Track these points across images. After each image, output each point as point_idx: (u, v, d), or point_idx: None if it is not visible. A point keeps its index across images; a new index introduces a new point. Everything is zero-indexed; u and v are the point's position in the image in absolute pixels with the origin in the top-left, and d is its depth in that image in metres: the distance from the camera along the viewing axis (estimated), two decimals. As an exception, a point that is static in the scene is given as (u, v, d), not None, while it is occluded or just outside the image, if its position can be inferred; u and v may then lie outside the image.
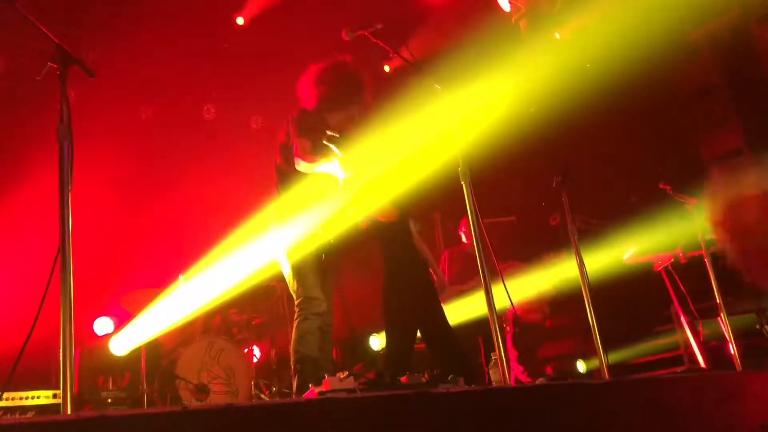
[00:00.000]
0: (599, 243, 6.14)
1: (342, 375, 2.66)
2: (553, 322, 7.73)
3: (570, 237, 4.24)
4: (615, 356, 6.38)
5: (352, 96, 3.90)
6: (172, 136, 7.13)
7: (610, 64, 5.82)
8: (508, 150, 5.98)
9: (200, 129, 7.40)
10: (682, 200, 5.53)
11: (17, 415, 4.87)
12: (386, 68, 7.56)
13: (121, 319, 6.04)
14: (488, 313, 3.20)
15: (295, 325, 3.73)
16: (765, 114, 6.88)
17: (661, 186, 5.66)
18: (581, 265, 4.12)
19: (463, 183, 3.42)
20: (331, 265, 4.00)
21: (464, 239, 6.55)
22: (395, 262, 4.65)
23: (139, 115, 7.22)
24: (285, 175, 3.86)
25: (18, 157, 5.87)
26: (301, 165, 3.67)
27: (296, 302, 3.77)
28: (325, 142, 3.64)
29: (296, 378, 3.65)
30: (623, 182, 7.47)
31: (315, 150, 3.66)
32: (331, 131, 3.69)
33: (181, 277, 5.62)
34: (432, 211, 8.57)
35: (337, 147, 3.63)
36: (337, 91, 3.85)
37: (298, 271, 3.77)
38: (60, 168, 2.42)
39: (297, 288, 3.76)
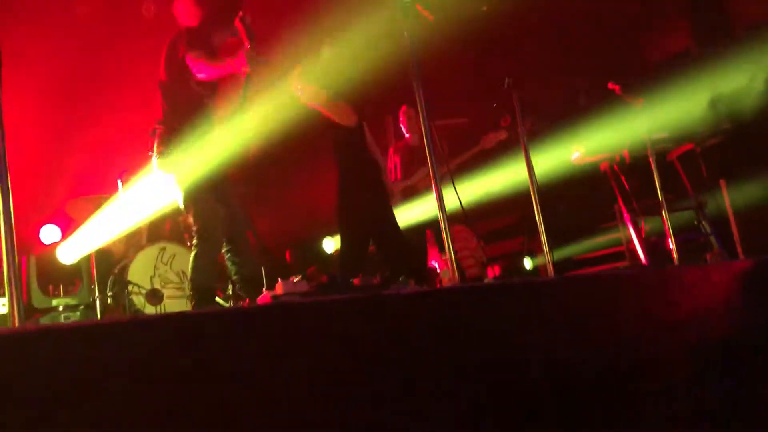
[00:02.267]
0: (547, 144, 6.21)
1: (295, 279, 2.69)
2: (501, 221, 7.92)
3: (519, 138, 4.27)
4: (560, 253, 6.62)
5: (231, 12, 3.87)
6: (111, 34, 6.75)
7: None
8: (460, 50, 5.89)
9: (140, 27, 7.03)
10: (630, 100, 5.59)
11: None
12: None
13: (68, 226, 5.94)
14: (439, 215, 3.24)
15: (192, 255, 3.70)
16: (714, 11, 6.89)
17: (609, 86, 5.69)
18: (530, 165, 4.17)
19: (413, 83, 3.37)
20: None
21: (404, 132, 6.33)
22: (349, 165, 4.64)
23: (75, 10, 6.80)
24: (176, 93, 3.80)
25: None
26: (203, 72, 3.65)
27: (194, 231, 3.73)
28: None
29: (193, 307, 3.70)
30: (571, 83, 7.49)
31: (211, 58, 3.69)
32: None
33: (120, 183, 5.49)
34: (383, 114, 8.48)
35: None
36: (215, 7, 3.90)
37: (192, 202, 3.71)
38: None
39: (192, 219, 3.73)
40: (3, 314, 5.02)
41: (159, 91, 3.89)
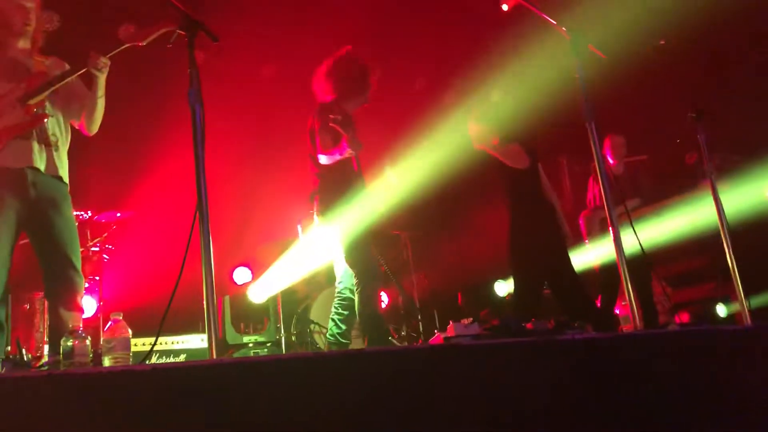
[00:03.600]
0: (740, 180, 5.74)
1: (467, 321, 2.70)
2: (691, 264, 7.37)
3: (707, 176, 4.01)
4: (758, 300, 6.01)
5: (363, 81, 4.25)
6: (293, 92, 7.30)
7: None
8: (637, 85, 5.66)
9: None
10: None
11: (171, 358, 5.37)
12: (504, 7, 7.31)
13: (257, 269, 6.40)
14: (617, 258, 3.11)
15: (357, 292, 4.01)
16: None
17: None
18: (718, 203, 3.90)
19: (587, 124, 3.30)
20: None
21: (610, 159, 6.05)
22: (523, 207, 4.60)
23: (261, 73, 7.43)
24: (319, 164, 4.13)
25: (154, 124, 6.24)
26: (322, 159, 4.01)
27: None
28: (331, 125, 3.95)
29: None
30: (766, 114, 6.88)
31: (335, 141, 3.98)
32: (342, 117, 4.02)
33: (300, 229, 5.87)
34: (557, 154, 8.33)
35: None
36: (348, 80, 4.20)
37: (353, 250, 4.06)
38: (193, 131, 2.57)
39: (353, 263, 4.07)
40: (202, 349, 5.49)
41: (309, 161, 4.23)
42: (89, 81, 3.40)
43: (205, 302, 2.42)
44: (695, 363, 1.90)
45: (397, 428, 1.52)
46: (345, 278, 4.18)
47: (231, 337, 5.95)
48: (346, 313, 4.14)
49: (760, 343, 2.03)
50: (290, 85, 7.29)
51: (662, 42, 4.17)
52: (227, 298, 6.12)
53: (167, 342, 5.42)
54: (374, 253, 4.20)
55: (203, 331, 5.40)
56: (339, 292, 4.21)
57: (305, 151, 4.24)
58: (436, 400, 1.53)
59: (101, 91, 3.38)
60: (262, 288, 6.09)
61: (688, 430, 1.78)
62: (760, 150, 6.12)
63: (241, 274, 6.60)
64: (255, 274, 6.40)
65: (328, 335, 4.23)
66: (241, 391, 1.46)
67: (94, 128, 3.51)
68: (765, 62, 6.80)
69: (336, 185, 4.09)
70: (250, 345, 6.02)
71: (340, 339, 4.12)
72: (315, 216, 4.20)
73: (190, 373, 1.55)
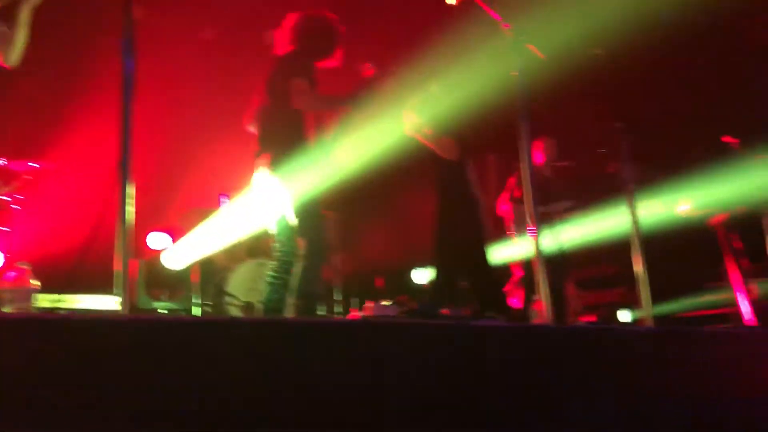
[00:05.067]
0: (655, 195, 6.01)
1: (385, 303, 2.73)
2: (601, 270, 7.68)
3: (626, 185, 4.16)
4: (661, 308, 6.33)
5: (328, 40, 4.07)
6: (233, 61, 7.14)
7: (682, 9, 5.55)
8: (569, 92, 5.82)
9: (262, 54, 7.38)
10: (748, 156, 5.34)
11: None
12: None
13: (177, 236, 6.25)
14: (535, 255, 3.21)
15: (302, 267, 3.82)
16: None
17: (726, 140, 5.46)
18: (634, 214, 4.06)
19: (521, 122, 3.38)
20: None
21: (541, 158, 6.13)
22: (450, 200, 4.68)
23: (200, 36, 7.23)
24: (278, 117, 3.91)
25: (83, 74, 5.99)
26: (302, 103, 3.80)
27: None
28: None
29: None
30: (686, 134, 7.22)
31: (312, 88, 3.82)
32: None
33: (223, 199, 5.77)
34: (487, 153, 8.46)
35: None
36: (314, 37, 4.03)
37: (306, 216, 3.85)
38: (122, 85, 2.47)
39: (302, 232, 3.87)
40: (112, 311, 5.32)
41: (259, 117, 4.02)
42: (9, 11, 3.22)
43: (117, 263, 2.35)
44: (595, 359, 1.98)
45: (296, 396, 1.53)
46: (289, 243, 3.92)
47: (143, 302, 5.80)
48: (287, 277, 3.88)
49: (660, 345, 2.15)
50: (232, 49, 7.14)
51: (598, 52, 4.31)
52: (142, 261, 5.95)
53: (75, 300, 5.22)
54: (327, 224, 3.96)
55: (114, 294, 5.22)
56: (281, 256, 3.94)
57: (242, 114, 4.06)
58: (347, 372, 1.55)
59: (24, 20, 3.20)
60: (179, 255, 5.95)
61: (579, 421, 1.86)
62: (679, 165, 6.42)
63: (157, 239, 6.42)
64: (174, 241, 6.25)
65: (264, 300, 3.95)
66: (152, 348, 1.43)
67: (13, 59, 3.31)
68: (695, 78, 7.12)
69: (294, 140, 3.85)
70: (163, 312, 5.89)
71: (280, 306, 3.86)
72: (264, 170, 3.92)
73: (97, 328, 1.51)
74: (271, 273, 3.92)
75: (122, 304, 2.36)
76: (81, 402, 1.48)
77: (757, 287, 5.54)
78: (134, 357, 1.53)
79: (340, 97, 3.95)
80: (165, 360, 1.48)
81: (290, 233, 3.89)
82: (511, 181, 6.21)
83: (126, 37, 2.49)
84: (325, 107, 3.94)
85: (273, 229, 4.03)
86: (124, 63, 2.48)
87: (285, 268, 3.89)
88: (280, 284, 3.87)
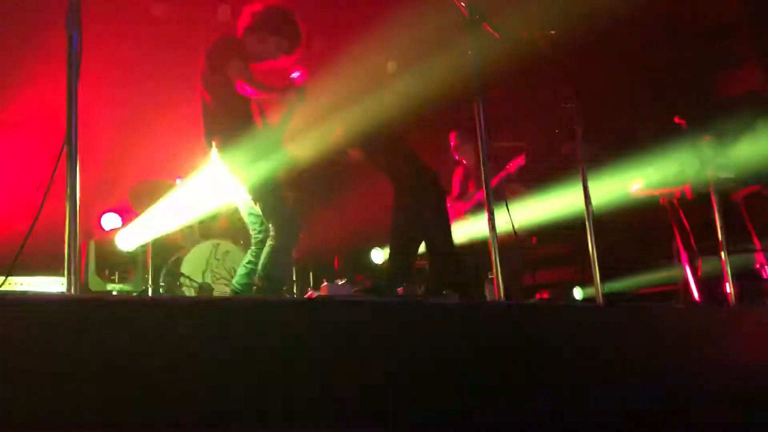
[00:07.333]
0: (607, 174, 6.11)
1: (340, 281, 2.74)
2: (553, 249, 7.81)
3: (579, 165, 4.22)
4: (611, 286, 6.47)
5: (281, 32, 3.91)
6: (184, 34, 6.98)
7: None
8: (523, 72, 5.85)
9: (214, 29, 7.24)
10: (696, 136, 5.47)
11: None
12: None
13: (128, 216, 6.12)
14: (489, 235, 3.24)
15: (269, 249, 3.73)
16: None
17: (676, 120, 5.58)
18: (587, 194, 4.12)
19: (475, 101, 3.39)
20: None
21: (456, 159, 6.08)
22: (407, 179, 4.70)
23: (151, 11, 7.06)
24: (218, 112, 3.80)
25: (26, 47, 5.79)
26: (246, 89, 3.65)
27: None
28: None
29: None
30: (637, 114, 7.37)
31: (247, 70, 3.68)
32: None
33: (178, 180, 5.68)
34: (448, 130, 8.48)
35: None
36: (267, 26, 3.89)
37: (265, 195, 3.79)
38: (68, 58, 2.39)
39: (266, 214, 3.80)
40: (61, 293, 5.20)
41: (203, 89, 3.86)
42: None
43: (67, 245, 2.29)
44: (547, 335, 2.02)
45: (257, 377, 1.52)
46: (261, 227, 3.85)
47: (94, 283, 5.69)
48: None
49: (610, 321, 2.19)
50: (185, 23, 6.98)
51: (553, 32, 4.35)
52: (93, 242, 5.83)
53: (21, 283, 5.08)
54: (290, 202, 3.85)
55: (63, 275, 5.10)
56: (257, 242, 3.85)
57: (196, 88, 3.93)
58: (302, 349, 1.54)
59: None
60: (131, 235, 5.83)
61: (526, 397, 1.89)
62: (632, 145, 6.55)
63: (109, 219, 6.29)
64: (125, 220, 6.13)
65: (234, 283, 3.87)
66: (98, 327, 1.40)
67: None
68: (646, 59, 7.26)
69: (240, 123, 3.75)
70: (114, 294, 5.78)
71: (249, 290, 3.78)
72: (213, 153, 3.81)
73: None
74: (250, 258, 3.84)
75: (71, 285, 2.29)
76: (28, 386, 1.45)
77: (701, 265, 5.71)
78: (82, 338, 1.50)
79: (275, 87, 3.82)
80: (111, 341, 1.45)
81: (260, 218, 3.82)
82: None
83: (72, 8, 2.40)
84: (263, 92, 3.76)
85: (244, 216, 3.95)
86: (70, 34, 2.39)
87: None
88: (254, 269, 3.79)
